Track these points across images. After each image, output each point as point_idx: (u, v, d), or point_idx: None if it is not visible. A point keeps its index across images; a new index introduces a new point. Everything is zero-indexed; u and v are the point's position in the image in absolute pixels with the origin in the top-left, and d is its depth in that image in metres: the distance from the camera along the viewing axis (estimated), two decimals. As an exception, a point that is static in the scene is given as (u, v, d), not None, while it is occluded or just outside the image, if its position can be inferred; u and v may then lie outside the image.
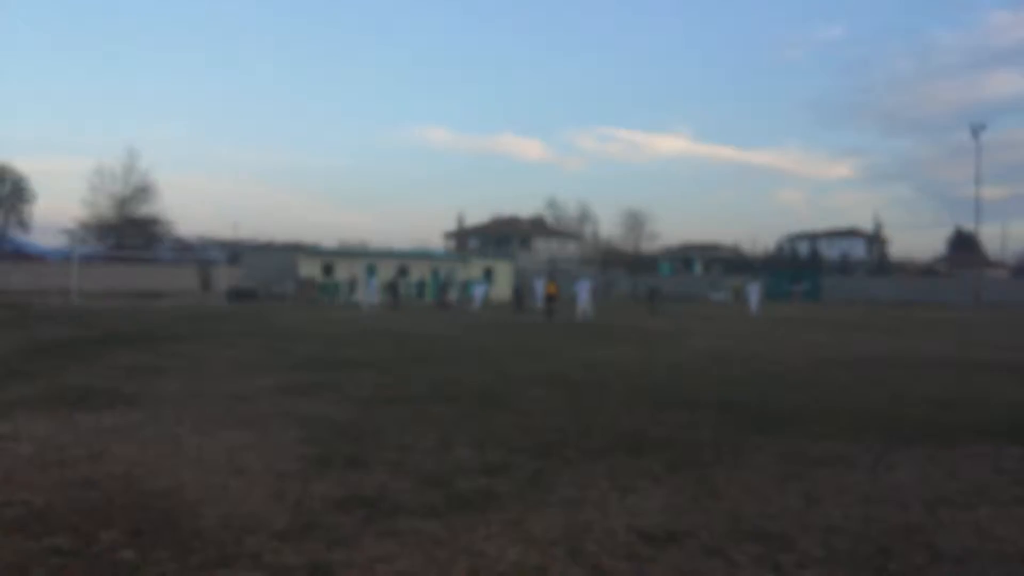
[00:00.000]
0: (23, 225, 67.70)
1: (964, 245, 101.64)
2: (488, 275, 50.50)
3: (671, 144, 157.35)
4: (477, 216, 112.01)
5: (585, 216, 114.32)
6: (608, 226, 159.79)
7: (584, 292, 31.57)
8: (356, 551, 4.68)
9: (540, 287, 35.32)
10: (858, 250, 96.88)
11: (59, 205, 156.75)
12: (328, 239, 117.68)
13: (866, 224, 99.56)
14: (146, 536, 4.87)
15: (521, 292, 36.70)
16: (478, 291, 39.63)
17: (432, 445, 7.63)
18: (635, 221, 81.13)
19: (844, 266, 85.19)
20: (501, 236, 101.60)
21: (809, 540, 5.04)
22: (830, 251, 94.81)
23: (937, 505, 5.91)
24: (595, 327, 27.21)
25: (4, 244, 67.35)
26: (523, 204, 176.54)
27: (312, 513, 5.40)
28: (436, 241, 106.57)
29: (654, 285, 42.61)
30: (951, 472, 6.97)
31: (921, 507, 5.85)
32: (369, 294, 37.69)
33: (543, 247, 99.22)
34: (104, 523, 5.09)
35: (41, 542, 4.73)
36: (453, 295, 40.13)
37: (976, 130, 63.51)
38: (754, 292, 39.17)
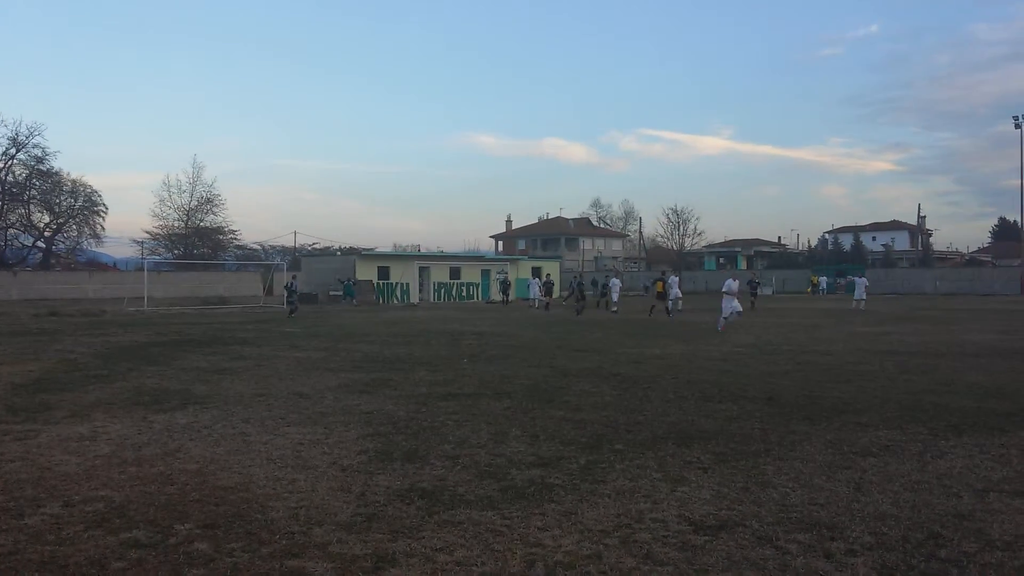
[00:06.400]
0: (96, 237, 69.97)
1: (1009, 235, 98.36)
2: (536, 274, 50.76)
3: (712, 144, 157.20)
4: (524, 218, 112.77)
5: (629, 215, 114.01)
6: (652, 224, 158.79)
7: (675, 287, 32.35)
8: (418, 541, 4.86)
9: (616, 285, 35.42)
10: (902, 243, 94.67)
11: (129, 217, 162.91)
12: (383, 243, 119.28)
13: (909, 217, 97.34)
14: (219, 529, 5.11)
15: (582, 289, 36.35)
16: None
17: (487, 439, 7.82)
18: (679, 219, 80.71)
19: (888, 259, 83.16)
20: (548, 237, 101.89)
21: (859, 528, 5.07)
22: (873, 244, 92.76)
23: (987, 492, 5.88)
24: (644, 323, 27.12)
25: (79, 255, 69.97)
26: (569, 205, 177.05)
27: (375, 505, 5.62)
28: (486, 243, 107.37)
29: (753, 278, 41.01)
30: (1001, 460, 6.90)
31: (971, 495, 5.82)
32: (535, 293, 41.15)
33: (589, 247, 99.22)
34: (179, 517, 5.35)
35: (120, 536, 4.99)
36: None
37: (1019, 120, 61.70)
38: (860, 285, 37.87)
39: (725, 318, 22.81)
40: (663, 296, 30.80)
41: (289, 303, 33.48)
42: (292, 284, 34.52)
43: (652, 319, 28.66)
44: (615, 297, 35.22)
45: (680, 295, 34.58)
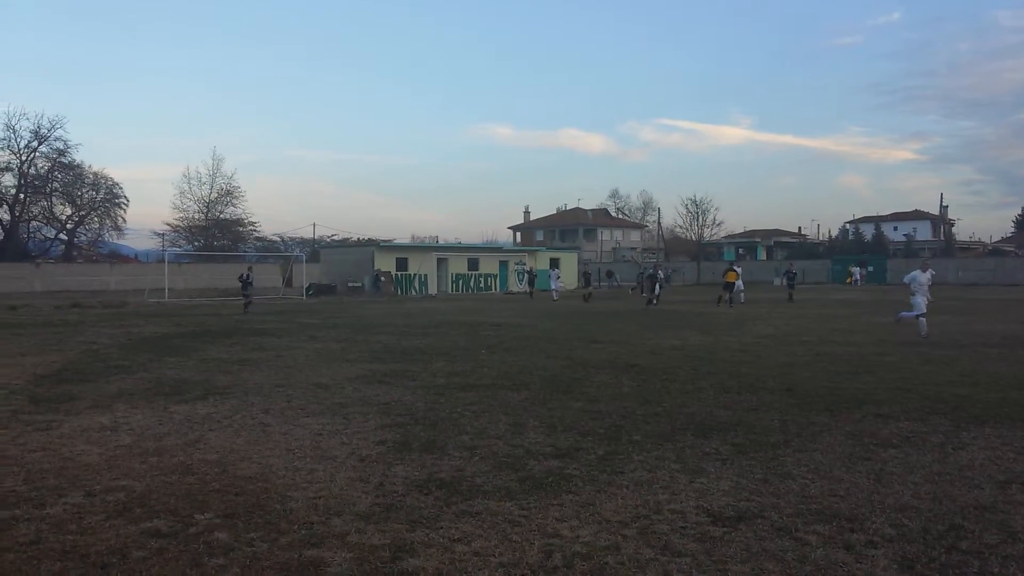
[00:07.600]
0: (118, 229, 70.48)
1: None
2: (554, 265, 50.55)
3: (732, 133, 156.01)
4: (542, 209, 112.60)
5: (648, 206, 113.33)
6: (671, 215, 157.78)
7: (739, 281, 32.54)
8: (436, 532, 4.87)
9: (660, 275, 35.27)
10: (924, 233, 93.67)
11: (150, 209, 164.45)
12: (401, 234, 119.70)
13: (931, 207, 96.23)
14: (239, 518, 5.15)
15: (653, 280, 35.92)
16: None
17: (505, 430, 7.83)
18: (698, 209, 79.81)
19: (910, 249, 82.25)
20: (566, 228, 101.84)
21: (879, 519, 5.02)
22: (895, 234, 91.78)
23: (1009, 484, 5.82)
24: (662, 313, 26.99)
25: (100, 247, 70.63)
26: (587, 196, 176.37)
27: (394, 495, 5.63)
28: (504, 234, 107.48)
29: (790, 269, 39.86)
30: (1023, 451, 6.82)
31: (993, 486, 5.76)
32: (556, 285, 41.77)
33: (607, 238, 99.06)
34: (200, 507, 5.40)
35: (141, 525, 5.04)
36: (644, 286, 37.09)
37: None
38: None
39: (920, 316, 17.83)
40: (730, 286, 31.39)
41: (244, 296, 29.63)
42: (247, 276, 29.76)
43: (719, 309, 28.77)
44: (658, 289, 34.96)
45: (743, 287, 34.41)
